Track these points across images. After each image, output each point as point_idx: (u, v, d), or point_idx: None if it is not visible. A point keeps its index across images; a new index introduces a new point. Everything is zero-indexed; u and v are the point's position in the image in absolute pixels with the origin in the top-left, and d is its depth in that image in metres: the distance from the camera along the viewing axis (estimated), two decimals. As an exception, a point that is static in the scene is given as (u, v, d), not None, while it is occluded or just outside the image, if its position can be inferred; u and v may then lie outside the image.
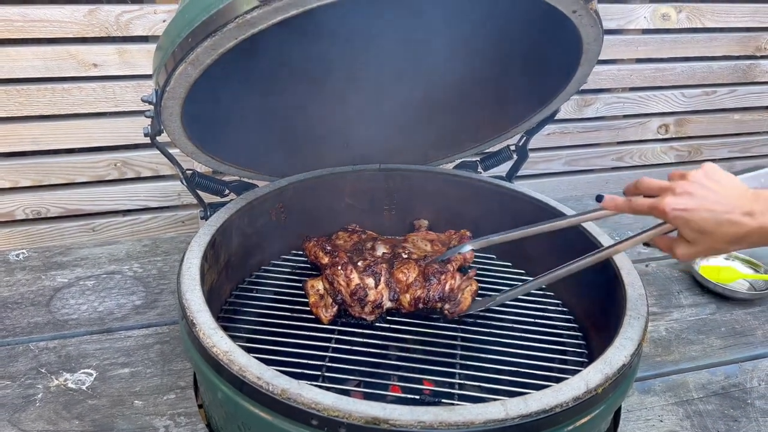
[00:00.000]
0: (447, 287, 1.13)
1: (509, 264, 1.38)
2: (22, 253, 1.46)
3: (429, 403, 0.96)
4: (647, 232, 0.96)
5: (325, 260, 1.23)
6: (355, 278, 1.13)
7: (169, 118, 1.06)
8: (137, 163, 1.78)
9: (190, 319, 0.92)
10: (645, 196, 0.91)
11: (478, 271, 1.29)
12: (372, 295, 1.13)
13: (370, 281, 1.14)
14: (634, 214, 0.95)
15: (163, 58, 0.97)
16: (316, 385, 0.80)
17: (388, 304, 1.15)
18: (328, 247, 1.25)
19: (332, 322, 1.14)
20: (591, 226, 1.21)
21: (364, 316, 1.14)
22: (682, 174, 0.87)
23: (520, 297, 1.23)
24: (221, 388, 0.86)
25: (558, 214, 1.27)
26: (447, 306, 1.13)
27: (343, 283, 1.13)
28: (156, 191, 1.84)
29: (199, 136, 1.17)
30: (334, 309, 1.14)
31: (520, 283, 1.15)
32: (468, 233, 1.34)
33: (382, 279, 1.14)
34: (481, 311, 1.16)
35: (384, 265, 1.16)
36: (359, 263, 1.17)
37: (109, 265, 1.45)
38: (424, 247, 1.29)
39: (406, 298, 1.14)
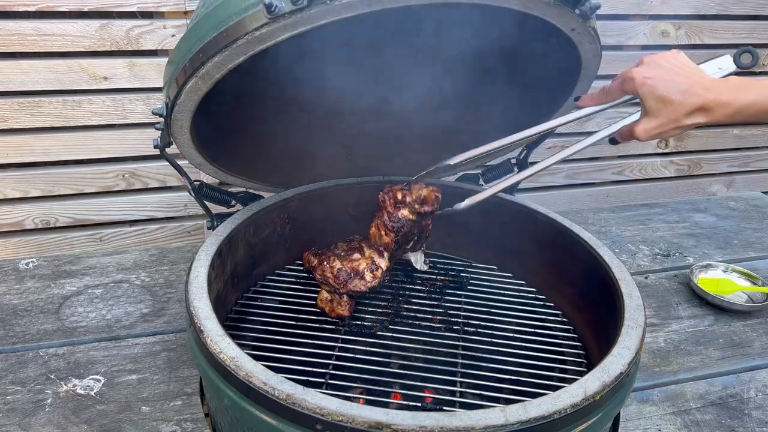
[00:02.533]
0: (408, 201, 1.20)
1: (510, 275, 1.40)
2: (32, 261, 1.49)
3: (431, 410, 0.98)
4: (614, 126, 1.05)
5: (314, 262, 1.26)
6: (336, 264, 1.19)
7: (179, 130, 1.09)
8: (145, 174, 1.82)
9: (198, 326, 0.94)
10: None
11: (479, 282, 1.32)
12: (363, 263, 1.19)
13: (356, 255, 1.21)
14: (609, 101, 1.03)
15: (174, 73, 1.00)
16: (320, 392, 0.83)
17: (382, 263, 1.19)
18: (319, 251, 1.29)
19: (339, 325, 1.16)
20: (592, 239, 1.23)
21: (373, 284, 1.18)
22: (653, 54, 0.96)
23: (519, 308, 1.26)
24: (228, 393, 0.88)
25: (557, 225, 1.29)
26: (419, 207, 1.20)
27: (329, 274, 1.18)
28: (163, 202, 1.87)
29: (207, 148, 1.20)
30: (344, 299, 1.17)
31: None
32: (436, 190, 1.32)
33: (365, 246, 1.22)
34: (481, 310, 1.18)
35: (359, 237, 1.26)
36: (341, 253, 1.22)
37: (117, 274, 1.47)
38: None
39: (387, 240, 1.21)
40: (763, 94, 0.89)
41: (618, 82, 0.98)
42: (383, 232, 1.21)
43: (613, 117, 1.11)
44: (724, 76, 1.01)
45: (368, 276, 1.17)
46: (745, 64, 1.01)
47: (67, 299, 1.38)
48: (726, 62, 1.02)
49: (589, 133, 1.09)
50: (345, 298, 1.18)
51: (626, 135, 1.00)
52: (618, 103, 1.03)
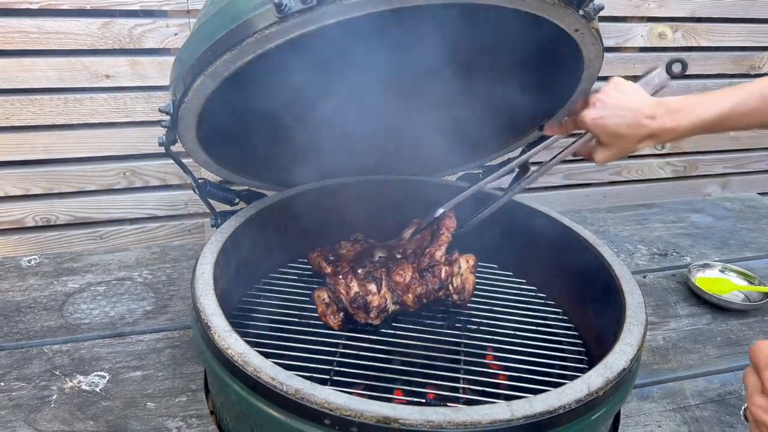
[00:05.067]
0: (443, 275, 1.17)
1: (511, 273, 1.41)
2: (34, 258, 1.49)
3: (435, 406, 0.99)
4: (572, 145, 1.13)
5: (328, 270, 1.26)
6: (354, 287, 1.16)
7: (185, 128, 1.10)
8: (146, 173, 1.82)
9: (205, 322, 0.95)
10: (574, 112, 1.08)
11: (480, 281, 1.32)
12: (375, 301, 1.16)
13: (372, 287, 1.17)
14: (567, 132, 1.13)
15: (182, 71, 1.01)
16: (327, 388, 0.83)
17: (392, 308, 1.18)
18: (331, 257, 1.29)
19: (341, 328, 1.17)
20: (592, 238, 1.24)
21: (370, 321, 1.17)
22: (598, 88, 1.04)
23: (521, 306, 1.27)
24: (235, 389, 0.89)
25: (557, 224, 1.31)
26: (455, 296, 1.16)
27: (343, 291, 1.16)
28: (163, 200, 1.87)
29: (212, 146, 1.21)
30: (341, 315, 1.17)
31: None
32: (450, 214, 1.34)
33: (384, 283, 1.17)
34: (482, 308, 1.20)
35: (383, 270, 1.19)
36: (359, 271, 1.20)
37: (119, 272, 1.48)
38: (415, 243, 1.33)
39: (410, 298, 1.17)
40: (701, 115, 0.96)
41: (572, 121, 1.08)
42: (412, 296, 1.17)
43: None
44: (660, 89, 1.09)
45: (373, 314, 1.16)
46: (676, 73, 1.08)
47: (70, 296, 1.38)
48: (661, 75, 1.10)
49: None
50: (342, 314, 1.18)
51: (586, 156, 1.10)
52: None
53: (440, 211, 1.27)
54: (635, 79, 1.09)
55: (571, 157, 2.00)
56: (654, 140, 1.00)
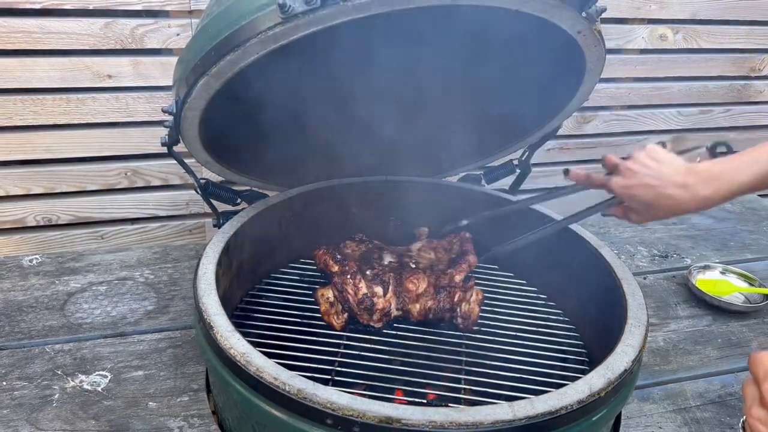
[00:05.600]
0: (456, 298, 1.17)
1: (511, 274, 1.41)
2: (36, 258, 1.50)
3: (437, 406, 0.99)
4: (602, 204, 1.13)
5: (335, 269, 1.26)
6: (363, 287, 1.16)
7: (188, 128, 1.10)
8: (147, 173, 1.82)
9: (208, 321, 0.95)
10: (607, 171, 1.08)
11: (481, 282, 1.33)
12: (380, 304, 1.16)
13: (379, 290, 1.17)
14: (592, 187, 1.11)
15: (185, 71, 1.01)
16: (329, 388, 0.84)
17: (395, 313, 1.18)
18: (339, 256, 1.28)
19: (343, 328, 1.17)
20: (594, 240, 1.25)
21: (372, 324, 1.17)
22: (630, 155, 1.02)
23: (523, 307, 1.27)
24: (237, 388, 0.89)
25: (562, 229, 1.31)
26: (460, 320, 1.17)
27: (351, 291, 1.16)
28: (165, 200, 1.87)
29: (214, 146, 1.21)
30: (345, 316, 1.17)
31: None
32: (468, 234, 1.37)
33: (390, 288, 1.18)
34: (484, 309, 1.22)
35: (392, 274, 1.20)
36: (367, 272, 1.20)
37: (121, 272, 1.48)
38: (428, 256, 1.33)
39: (416, 308, 1.17)
40: (736, 181, 0.92)
41: (601, 182, 1.06)
42: (419, 306, 1.18)
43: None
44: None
45: (376, 317, 1.16)
46: (719, 154, 1.08)
47: (72, 296, 1.38)
48: (703, 155, 1.08)
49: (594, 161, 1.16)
50: (346, 314, 1.19)
51: (621, 216, 1.09)
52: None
53: (464, 222, 1.33)
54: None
55: (570, 158, 2.00)
56: (689, 209, 0.96)
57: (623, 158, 1.04)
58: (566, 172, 1.15)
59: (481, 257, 1.29)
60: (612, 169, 1.05)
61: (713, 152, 1.08)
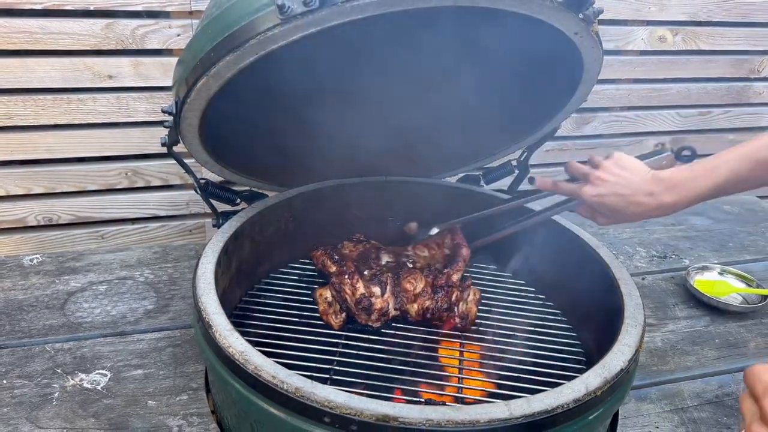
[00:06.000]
0: (453, 298, 1.18)
1: (509, 274, 1.42)
2: (36, 257, 1.50)
3: (434, 405, 1.00)
4: (571, 203, 1.14)
5: (333, 269, 1.27)
6: (360, 287, 1.17)
7: (188, 128, 1.11)
8: (147, 173, 1.83)
9: (207, 320, 0.95)
10: (570, 180, 1.13)
11: (479, 281, 1.33)
12: (378, 304, 1.17)
13: (377, 290, 1.18)
14: (559, 193, 1.14)
15: (185, 72, 1.02)
16: (327, 386, 0.84)
17: (393, 312, 1.19)
18: (336, 257, 1.29)
19: (341, 328, 1.18)
20: (592, 240, 1.25)
21: (370, 323, 1.18)
22: (598, 163, 1.06)
23: (521, 307, 1.28)
24: (236, 387, 0.90)
25: (556, 226, 1.31)
26: (458, 320, 1.18)
27: (348, 291, 1.17)
28: (165, 200, 1.88)
29: (214, 147, 1.21)
30: (343, 315, 1.18)
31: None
32: (457, 227, 1.37)
33: (388, 288, 1.18)
34: (482, 309, 1.23)
35: (389, 275, 1.21)
36: (365, 272, 1.21)
37: (121, 271, 1.49)
38: (423, 254, 1.34)
39: (414, 308, 1.18)
40: (698, 189, 0.97)
41: (569, 191, 1.11)
42: (417, 306, 1.19)
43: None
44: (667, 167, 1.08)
45: (374, 317, 1.17)
46: (685, 158, 1.11)
47: (72, 295, 1.39)
48: (669, 159, 1.11)
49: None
50: (344, 314, 1.19)
51: (588, 217, 1.12)
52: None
53: (434, 230, 1.35)
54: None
55: (569, 159, 2.02)
56: (656, 215, 1.01)
57: (585, 163, 1.09)
58: (531, 181, 1.19)
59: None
60: (580, 177, 1.09)
61: (678, 156, 1.10)
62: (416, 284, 1.19)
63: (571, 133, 2.19)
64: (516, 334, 1.20)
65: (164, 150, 1.13)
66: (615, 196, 1.02)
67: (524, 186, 1.54)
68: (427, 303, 1.18)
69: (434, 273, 1.22)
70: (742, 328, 1.45)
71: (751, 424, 0.69)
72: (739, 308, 1.50)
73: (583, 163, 1.12)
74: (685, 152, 1.10)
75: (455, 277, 1.22)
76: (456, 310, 1.18)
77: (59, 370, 1.16)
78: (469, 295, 1.20)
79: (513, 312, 1.26)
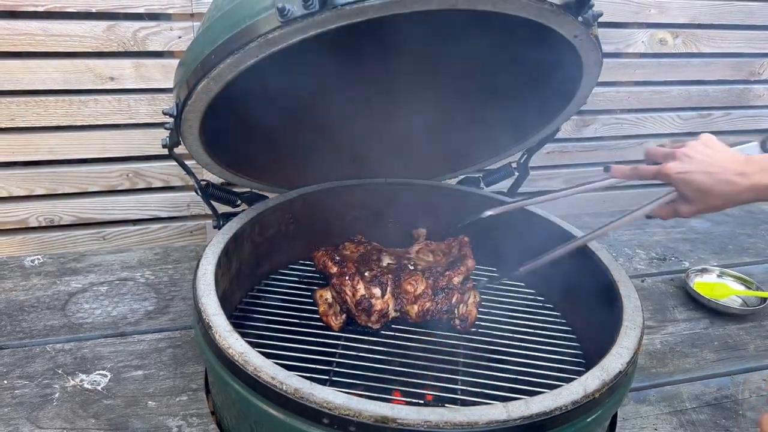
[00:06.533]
0: (454, 300, 1.18)
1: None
2: (38, 258, 1.51)
3: (434, 406, 1.00)
4: (649, 205, 1.06)
5: (334, 270, 1.27)
6: (360, 289, 1.17)
7: (188, 130, 1.11)
8: (149, 174, 1.83)
9: (207, 321, 0.96)
10: (650, 164, 1.03)
11: (479, 281, 1.34)
12: (378, 305, 1.17)
13: (377, 291, 1.18)
14: (640, 180, 1.05)
15: (186, 74, 1.02)
16: (326, 387, 0.84)
17: (393, 314, 1.19)
18: (337, 257, 1.30)
19: (341, 329, 1.18)
20: (591, 242, 1.25)
21: (370, 325, 1.18)
22: (683, 143, 0.98)
23: (520, 308, 1.28)
24: (235, 388, 0.90)
25: (556, 228, 1.32)
26: (458, 321, 1.18)
27: (349, 292, 1.17)
28: (166, 201, 1.88)
29: (214, 148, 1.22)
30: (343, 317, 1.18)
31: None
32: (466, 238, 1.38)
33: (389, 289, 1.19)
34: (481, 311, 1.21)
35: (390, 276, 1.21)
36: (366, 273, 1.21)
37: (122, 272, 1.49)
38: (427, 258, 1.34)
39: (414, 309, 1.18)
40: None
41: (653, 171, 1.01)
42: (417, 307, 1.19)
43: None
44: None
45: (374, 318, 1.17)
46: None
47: (73, 296, 1.39)
48: (754, 149, 1.04)
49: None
50: (344, 315, 1.19)
51: (670, 214, 1.03)
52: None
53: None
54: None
55: (570, 161, 2.00)
56: (747, 198, 0.93)
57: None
58: (607, 169, 1.12)
59: (510, 274, 1.26)
60: (662, 159, 1.00)
61: (764, 147, 1.06)
62: (417, 286, 1.19)
63: (571, 135, 2.20)
64: (516, 336, 1.20)
65: (165, 151, 1.14)
66: (703, 174, 0.93)
67: (524, 188, 1.55)
68: (428, 305, 1.18)
69: (435, 275, 1.23)
70: (742, 330, 1.45)
71: None
72: (738, 311, 1.50)
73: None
74: None
75: (456, 280, 1.22)
76: (456, 312, 1.19)
77: (60, 371, 1.17)
78: (469, 297, 1.21)
79: (513, 313, 1.26)
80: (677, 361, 1.34)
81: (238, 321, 1.21)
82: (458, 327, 1.19)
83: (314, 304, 1.22)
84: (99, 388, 1.14)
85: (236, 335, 0.93)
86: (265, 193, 1.44)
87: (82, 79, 1.64)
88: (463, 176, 1.60)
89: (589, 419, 0.88)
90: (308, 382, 0.85)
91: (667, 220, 1.05)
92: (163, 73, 1.69)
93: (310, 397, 0.82)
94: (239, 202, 1.38)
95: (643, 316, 1.04)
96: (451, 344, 1.18)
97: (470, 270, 1.31)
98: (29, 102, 1.64)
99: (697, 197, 0.96)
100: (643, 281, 1.62)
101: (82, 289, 1.42)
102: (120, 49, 1.64)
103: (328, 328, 1.19)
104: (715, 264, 1.70)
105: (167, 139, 1.13)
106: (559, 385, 0.89)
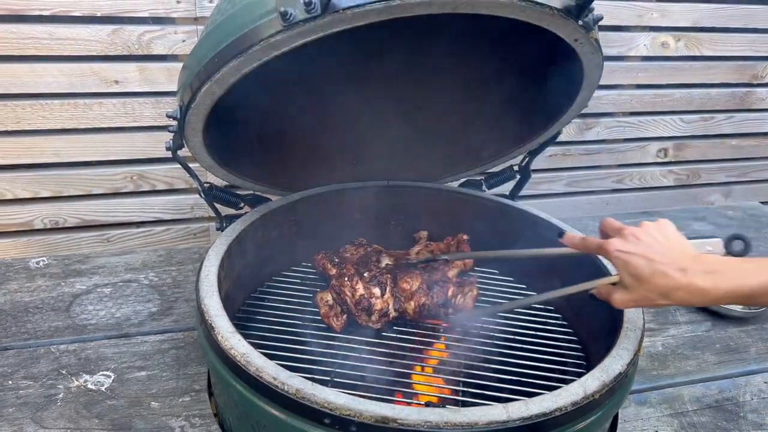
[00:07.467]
0: (449, 293, 1.19)
1: (510, 278, 1.43)
2: (42, 260, 1.52)
3: (434, 407, 1.00)
4: (593, 281, 0.99)
5: (333, 271, 1.28)
6: (360, 289, 1.18)
7: (192, 133, 1.12)
8: (152, 177, 1.84)
9: (209, 323, 0.97)
10: (604, 236, 0.96)
11: (480, 285, 1.34)
12: (378, 304, 1.18)
13: (376, 291, 1.19)
14: (586, 252, 1.00)
15: (189, 77, 1.03)
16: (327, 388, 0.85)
17: (393, 313, 1.20)
18: (336, 259, 1.30)
19: (342, 330, 1.19)
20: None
21: (371, 325, 1.19)
22: (640, 223, 0.92)
23: (520, 310, 1.29)
24: (237, 388, 0.91)
25: (557, 230, 1.32)
26: (450, 311, 1.18)
27: (348, 293, 1.18)
28: (170, 204, 1.89)
29: (218, 151, 1.23)
30: (344, 318, 1.19)
31: (521, 298, 1.21)
32: (465, 237, 1.39)
33: (388, 288, 1.19)
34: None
35: (389, 276, 1.22)
36: (365, 274, 1.22)
37: (126, 274, 1.50)
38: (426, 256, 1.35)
39: (411, 305, 1.19)
40: (742, 283, 0.82)
41: (596, 244, 0.95)
42: (413, 303, 1.19)
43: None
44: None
45: (374, 317, 1.18)
46: (736, 251, 0.98)
47: (77, 297, 1.40)
48: (716, 246, 0.98)
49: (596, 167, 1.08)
50: (345, 316, 1.20)
51: (604, 297, 0.96)
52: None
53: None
54: None
55: (572, 164, 2.01)
56: (682, 297, 0.85)
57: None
58: (560, 235, 1.05)
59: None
60: (612, 233, 0.94)
61: (728, 246, 1.00)
62: (412, 282, 1.20)
63: (573, 138, 2.20)
64: (517, 338, 1.21)
65: (169, 154, 1.15)
66: (642, 259, 0.86)
67: (526, 191, 1.55)
68: (423, 299, 1.19)
69: (430, 271, 1.23)
70: (743, 333, 1.45)
71: None
72: (740, 313, 1.50)
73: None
74: (736, 244, 0.97)
75: (451, 274, 1.23)
76: (453, 304, 1.19)
77: (64, 372, 1.18)
78: (468, 291, 1.22)
79: (514, 315, 1.27)
80: (678, 364, 1.34)
81: (241, 323, 1.22)
82: (451, 314, 1.19)
83: (316, 306, 1.23)
84: (103, 388, 1.14)
85: (238, 336, 0.94)
86: (268, 196, 1.45)
87: (87, 83, 1.66)
88: (465, 179, 1.60)
89: (588, 420, 0.88)
90: (309, 382, 0.85)
91: (603, 300, 0.96)
92: (167, 77, 1.70)
93: (312, 398, 0.83)
94: (242, 204, 1.39)
95: (644, 318, 1.04)
96: (453, 345, 1.18)
97: (468, 266, 1.31)
98: (35, 105, 1.65)
99: (633, 284, 0.88)
100: (644, 284, 1.62)
101: (87, 290, 1.43)
102: (125, 53, 1.65)
103: (330, 329, 1.19)
104: (717, 267, 1.70)
105: (171, 141, 1.14)
106: (559, 387, 0.89)
